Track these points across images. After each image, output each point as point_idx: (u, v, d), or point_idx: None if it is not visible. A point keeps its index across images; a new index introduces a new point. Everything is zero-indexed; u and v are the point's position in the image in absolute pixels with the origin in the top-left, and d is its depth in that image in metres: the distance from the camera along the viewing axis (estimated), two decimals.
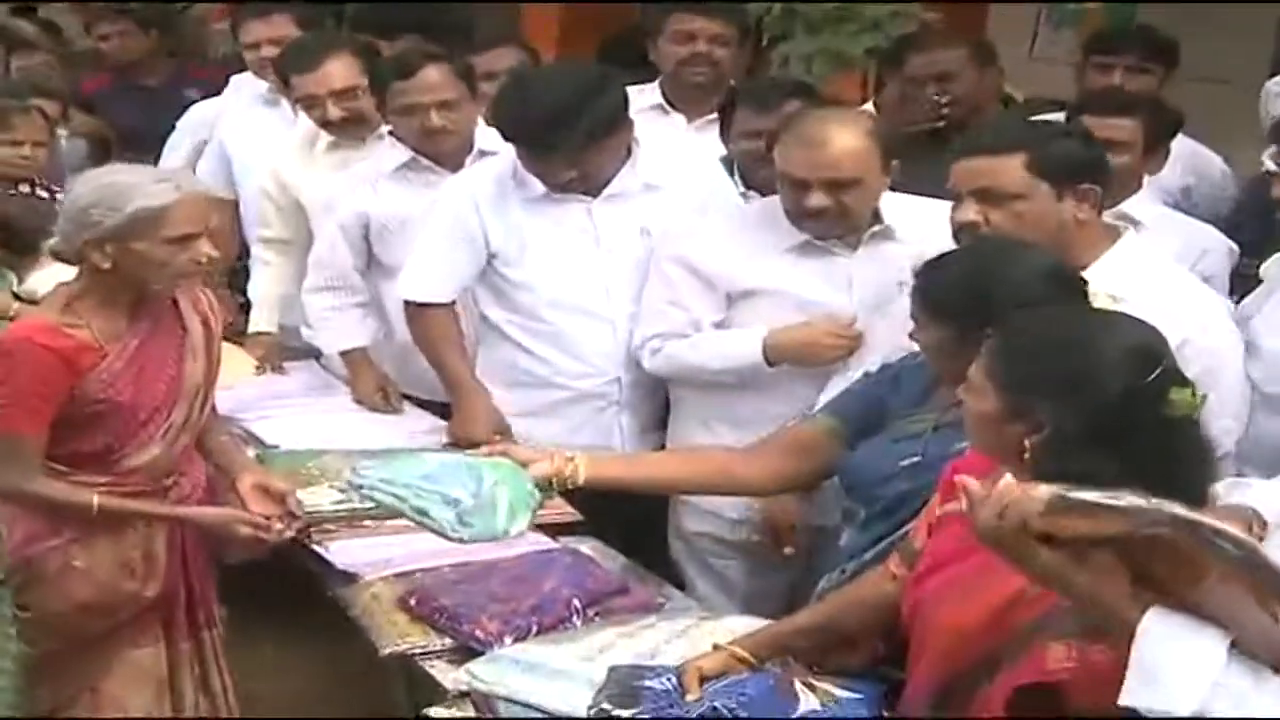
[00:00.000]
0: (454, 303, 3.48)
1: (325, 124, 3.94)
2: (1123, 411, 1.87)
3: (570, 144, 3.18)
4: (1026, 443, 1.91)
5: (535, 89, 3.28)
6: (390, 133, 3.72)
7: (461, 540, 2.55)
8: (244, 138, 4.48)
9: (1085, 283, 2.45)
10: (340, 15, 5.49)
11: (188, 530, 2.94)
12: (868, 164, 2.98)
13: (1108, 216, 3.41)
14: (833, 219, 3.01)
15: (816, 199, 2.97)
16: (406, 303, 3.49)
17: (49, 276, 3.19)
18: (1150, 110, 3.60)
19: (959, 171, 2.74)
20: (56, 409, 2.72)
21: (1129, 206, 3.45)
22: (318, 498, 3.01)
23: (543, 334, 3.40)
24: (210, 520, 2.89)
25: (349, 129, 3.92)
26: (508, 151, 3.39)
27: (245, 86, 4.74)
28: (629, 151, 3.34)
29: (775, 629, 2.43)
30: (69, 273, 2.95)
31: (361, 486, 2.65)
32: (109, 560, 2.83)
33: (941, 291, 2.45)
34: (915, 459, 2.49)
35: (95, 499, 2.78)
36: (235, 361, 3.71)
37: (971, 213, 2.68)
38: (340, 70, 3.87)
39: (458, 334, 3.49)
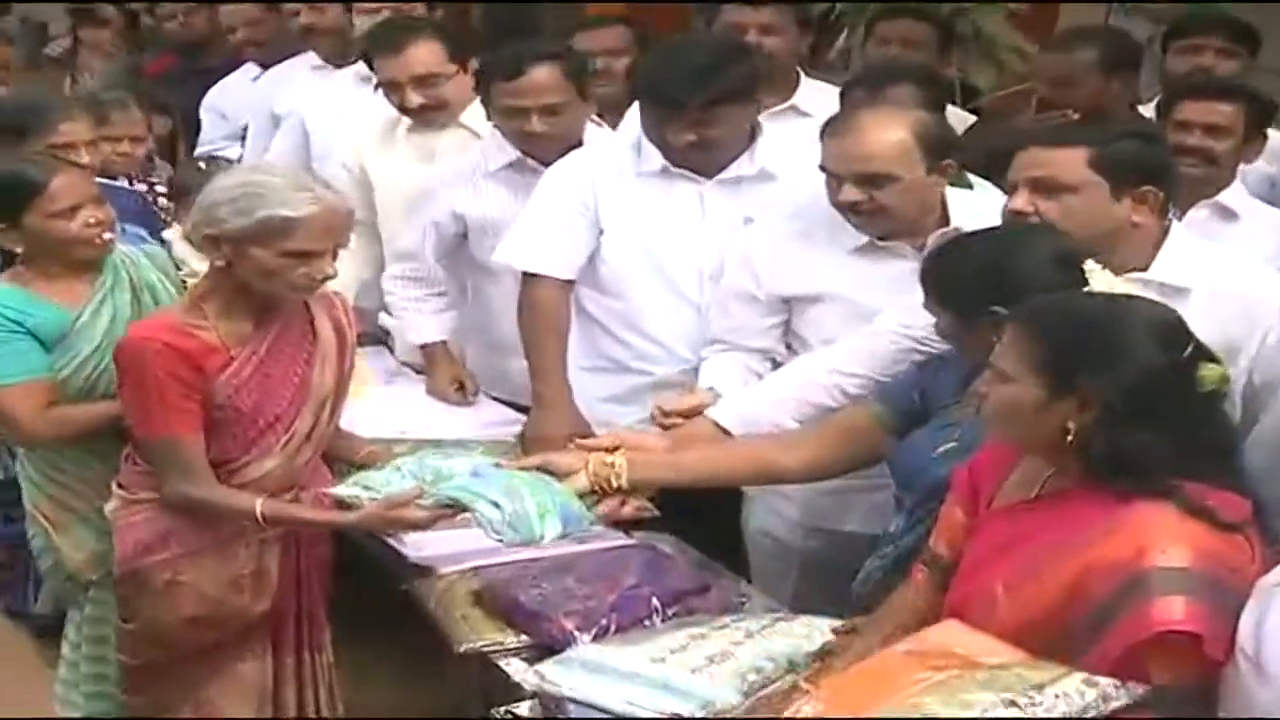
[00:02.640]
0: (570, 284, 3.40)
1: (404, 110, 3.89)
2: (1163, 386, 2.01)
3: (694, 102, 3.14)
4: (1071, 424, 2.01)
5: (675, 50, 3.29)
6: (496, 128, 3.65)
7: (500, 541, 2.60)
8: (326, 117, 4.44)
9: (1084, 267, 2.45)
10: None
11: (305, 549, 2.90)
12: (903, 160, 2.92)
13: (1204, 208, 3.45)
14: (870, 215, 2.97)
15: (848, 192, 2.94)
16: (524, 274, 3.38)
17: None
18: (1249, 96, 3.54)
19: (1019, 161, 2.74)
20: (202, 407, 2.67)
21: (1225, 197, 3.45)
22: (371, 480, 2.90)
23: (625, 315, 3.38)
24: (366, 525, 2.75)
25: (427, 115, 3.87)
26: (633, 124, 3.36)
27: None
28: (752, 137, 3.30)
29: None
30: None
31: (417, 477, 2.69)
32: (218, 576, 2.79)
33: (949, 278, 2.52)
34: (952, 445, 2.53)
35: (259, 505, 2.73)
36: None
37: (1022, 201, 2.68)
38: (423, 56, 3.80)
39: (564, 320, 3.39)
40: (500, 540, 2.60)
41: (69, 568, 3.09)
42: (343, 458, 2.99)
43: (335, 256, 2.70)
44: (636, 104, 3.45)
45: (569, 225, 3.35)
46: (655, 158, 3.30)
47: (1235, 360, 2.62)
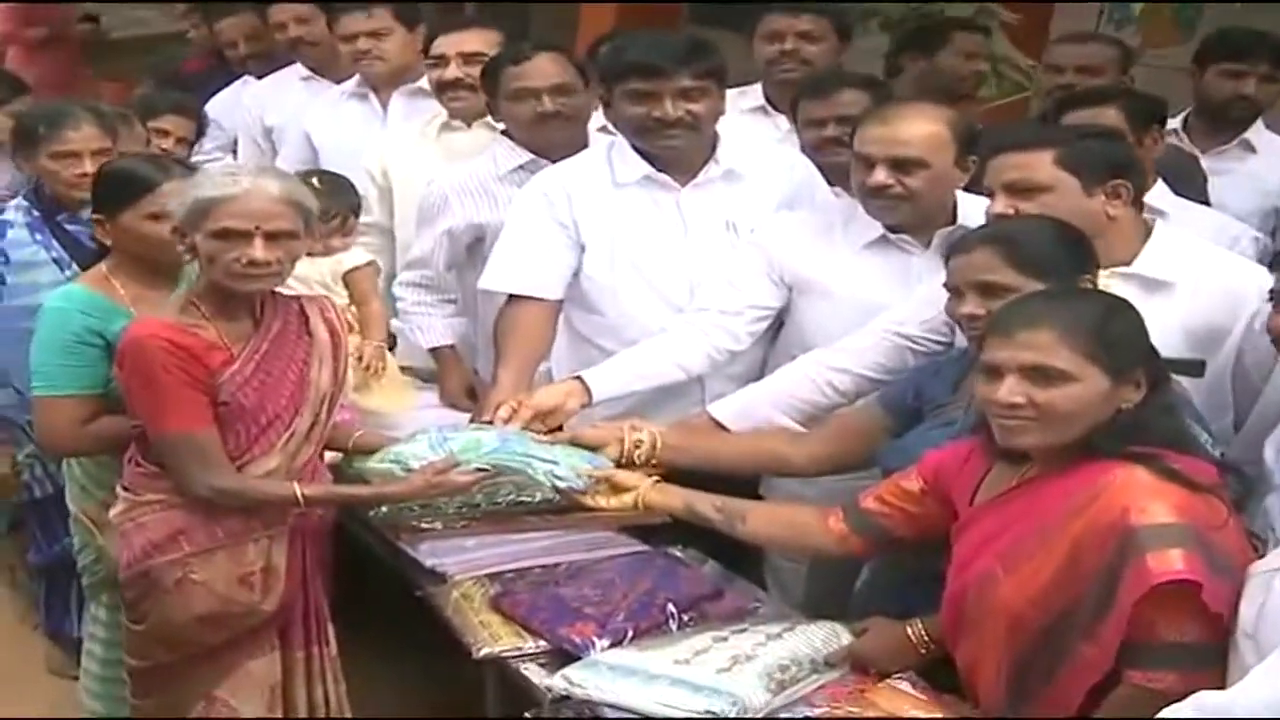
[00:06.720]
0: (558, 305, 3.37)
1: (441, 84, 3.98)
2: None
3: (681, 71, 3.15)
4: (1124, 405, 2.15)
5: (648, 37, 3.35)
6: (504, 132, 3.70)
7: (558, 489, 2.82)
8: (332, 131, 4.49)
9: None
10: None
11: (310, 544, 2.90)
12: (937, 149, 3.00)
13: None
14: (897, 199, 3.02)
15: (880, 175, 2.99)
16: (510, 296, 3.34)
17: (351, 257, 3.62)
18: (1127, 96, 3.58)
19: (992, 168, 2.81)
20: (211, 403, 2.69)
21: (1149, 198, 3.40)
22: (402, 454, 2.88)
23: (614, 329, 3.34)
24: (413, 493, 2.78)
25: (460, 93, 3.96)
26: (601, 142, 3.39)
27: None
28: (714, 142, 3.32)
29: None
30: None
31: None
32: (228, 574, 2.77)
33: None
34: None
35: (297, 489, 2.75)
36: (400, 392, 3.61)
37: (1002, 204, 2.76)
38: (476, 38, 3.96)
39: (544, 342, 3.36)
40: (560, 486, 2.81)
41: (110, 567, 3.08)
42: (335, 446, 3.00)
43: (277, 243, 2.68)
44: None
45: (551, 244, 3.33)
46: (631, 167, 3.29)
47: (1220, 345, 2.77)
